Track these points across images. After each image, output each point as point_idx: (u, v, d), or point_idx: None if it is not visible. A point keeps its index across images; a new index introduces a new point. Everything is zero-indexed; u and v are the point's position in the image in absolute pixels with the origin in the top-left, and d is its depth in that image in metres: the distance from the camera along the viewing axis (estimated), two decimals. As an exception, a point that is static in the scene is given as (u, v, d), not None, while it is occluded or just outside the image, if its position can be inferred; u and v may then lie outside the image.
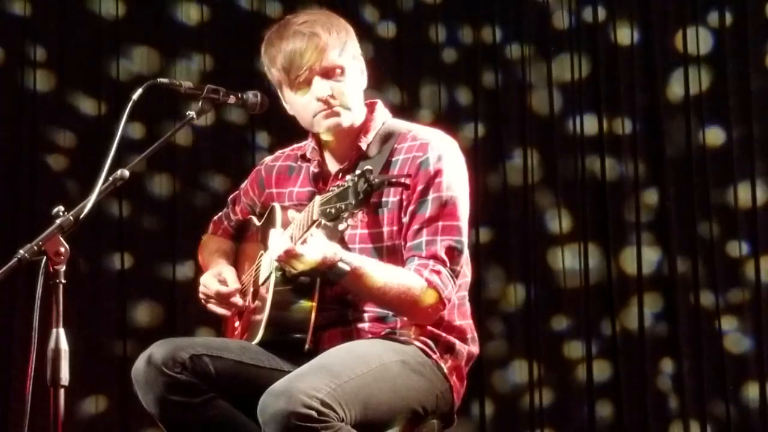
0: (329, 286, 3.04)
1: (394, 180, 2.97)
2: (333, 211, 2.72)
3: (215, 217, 3.49)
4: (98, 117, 5.29)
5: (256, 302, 3.16)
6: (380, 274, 2.93)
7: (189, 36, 5.46)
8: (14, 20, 5.28)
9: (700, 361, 5.42)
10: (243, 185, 3.41)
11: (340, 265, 2.87)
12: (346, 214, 2.71)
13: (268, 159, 3.38)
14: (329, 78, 3.05)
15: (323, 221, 2.75)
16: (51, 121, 5.29)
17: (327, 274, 2.89)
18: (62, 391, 2.62)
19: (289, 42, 3.04)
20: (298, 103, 3.10)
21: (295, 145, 3.32)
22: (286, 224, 3.00)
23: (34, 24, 5.30)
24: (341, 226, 2.74)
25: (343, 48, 3.06)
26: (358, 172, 2.70)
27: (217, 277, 3.24)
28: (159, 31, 5.45)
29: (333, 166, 3.17)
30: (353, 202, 2.69)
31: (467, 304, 3.17)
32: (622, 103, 5.58)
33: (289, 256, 2.83)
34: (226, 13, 5.50)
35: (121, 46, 5.37)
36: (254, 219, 3.35)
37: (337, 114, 3.07)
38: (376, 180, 2.70)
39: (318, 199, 2.78)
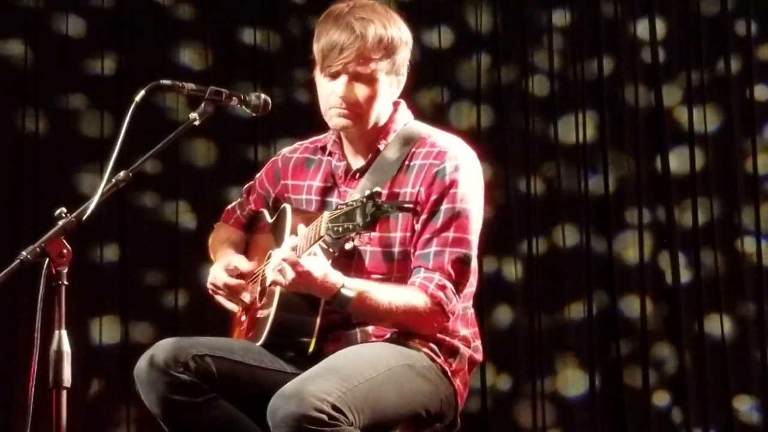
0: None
1: (405, 206, 2.92)
2: (340, 229, 2.74)
3: (228, 206, 3.46)
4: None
5: (264, 299, 3.16)
6: (384, 295, 2.94)
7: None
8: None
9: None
10: (258, 175, 3.37)
11: (344, 291, 2.88)
12: (353, 234, 2.75)
13: (285, 150, 3.33)
14: (357, 81, 3.02)
15: (329, 238, 2.78)
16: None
17: (331, 302, 2.90)
18: (64, 393, 2.61)
19: (338, 31, 3.00)
20: (321, 89, 3.09)
21: (315, 138, 3.29)
22: (294, 229, 2.98)
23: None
24: (348, 246, 2.82)
25: (384, 59, 3.02)
26: (367, 193, 2.73)
27: (226, 267, 3.23)
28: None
29: (353, 162, 3.15)
30: (361, 223, 2.72)
31: (471, 311, 3.16)
32: None
33: (288, 263, 2.82)
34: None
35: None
36: (266, 213, 3.32)
37: (349, 117, 3.05)
38: (385, 205, 2.72)
39: (326, 215, 2.79)
